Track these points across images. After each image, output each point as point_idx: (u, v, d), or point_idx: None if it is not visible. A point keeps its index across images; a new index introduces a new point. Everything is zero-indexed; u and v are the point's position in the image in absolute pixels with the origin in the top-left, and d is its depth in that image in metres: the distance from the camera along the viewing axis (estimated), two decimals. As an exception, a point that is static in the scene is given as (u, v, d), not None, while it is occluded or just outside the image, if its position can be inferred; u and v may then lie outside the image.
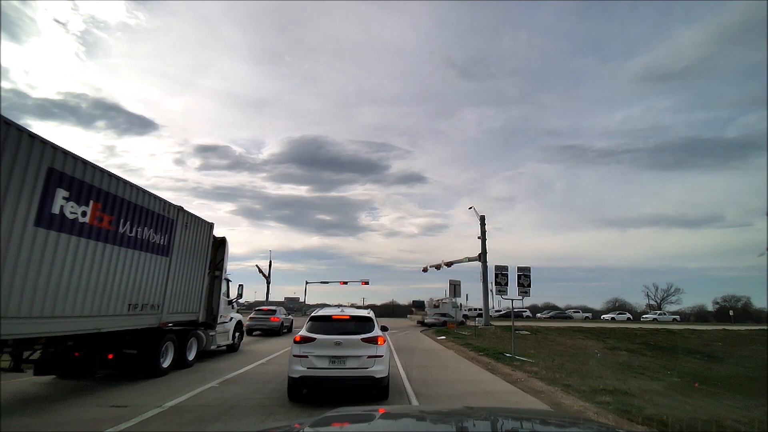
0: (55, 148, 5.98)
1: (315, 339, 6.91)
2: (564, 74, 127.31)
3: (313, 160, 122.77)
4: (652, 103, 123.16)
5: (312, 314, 7.66)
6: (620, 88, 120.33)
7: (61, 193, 6.07)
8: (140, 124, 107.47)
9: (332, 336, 6.94)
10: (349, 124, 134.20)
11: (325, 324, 7.25)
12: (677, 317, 57.23)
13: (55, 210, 5.97)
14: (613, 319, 55.49)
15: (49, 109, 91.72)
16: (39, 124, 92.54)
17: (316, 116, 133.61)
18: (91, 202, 6.71)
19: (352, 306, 23.69)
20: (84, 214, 6.55)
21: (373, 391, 7.08)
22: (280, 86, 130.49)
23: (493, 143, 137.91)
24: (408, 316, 41.62)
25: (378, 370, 6.82)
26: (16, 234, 5.36)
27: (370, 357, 6.85)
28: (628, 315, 58.50)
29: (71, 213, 6.27)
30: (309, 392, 7.12)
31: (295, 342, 7.00)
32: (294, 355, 6.86)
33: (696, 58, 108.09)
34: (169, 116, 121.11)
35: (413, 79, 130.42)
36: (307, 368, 6.74)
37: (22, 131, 5.45)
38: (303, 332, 7.10)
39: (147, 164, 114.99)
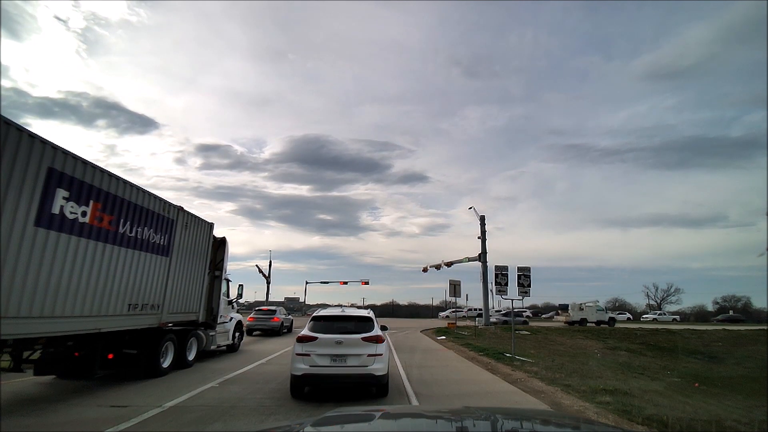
0: (55, 148, 5.98)
1: (317, 338, 7.10)
2: (569, 72, 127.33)
3: (314, 159, 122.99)
4: (657, 101, 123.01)
5: (314, 314, 7.86)
6: (625, 86, 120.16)
7: (61, 193, 6.07)
8: (141, 123, 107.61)
9: (333, 335, 7.14)
10: (352, 123, 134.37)
11: (327, 323, 7.46)
12: (677, 317, 57.29)
13: (55, 210, 5.97)
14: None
15: (50, 108, 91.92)
16: (39, 123, 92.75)
17: (319, 115, 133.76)
18: (91, 202, 6.72)
19: (352, 306, 23.89)
20: (84, 214, 6.55)
21: (373, 388, 7.31)
22: (282, 85, 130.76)
23: (496, 142, 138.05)
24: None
25: (378, 368, 7.00)
26: (16, 234, 5.36)
27: (370, 356, 7.03)
28: (628, 315, 58.50)
29: (71, 213, 6.27)
30: (311, 390, 7.32)
31: (298, 341, 7.18)
32: (297, 354, 7.03)
33: (701, 56, 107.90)
34: (171, 115, 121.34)
35: (416, 78, 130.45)
36: (310, 366, 6.91)
37: (22, 131, 5.46)
38: (305, 331, 7.30)
39: (148, 163, 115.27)
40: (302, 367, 6.91)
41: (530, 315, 60.98)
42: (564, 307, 46.09)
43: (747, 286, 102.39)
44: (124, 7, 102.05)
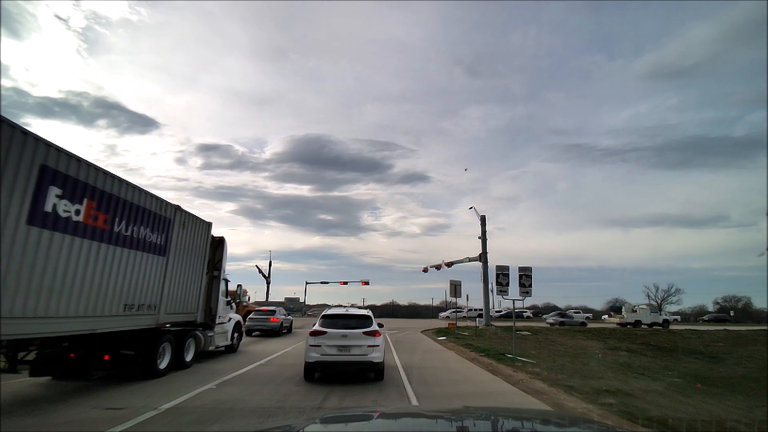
0: (48, 145, 5.89)
1: (326, 332, 8.58)
2: (571, 72, 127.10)
3: (315, 159, 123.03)
4: (660, 101, 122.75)
5: (323, 313, 9.40)
6: (628, 85, 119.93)
7: (54, 191, 5.97)
8: (142, 123, 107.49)
9: (340, 330, 8.63)
10: (353, 122, 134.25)
11: (334, 320, 8.96)
12: (677, 317, 57.26)
13: (48, 208, 5.87)
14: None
15: (50, 108, 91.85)
16: (40, 122, 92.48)
17: (320, 114, 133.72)
18: (85, 201, 6.62)
19: (353, 306, 24.14)
20: (78, 212, 6.46)
21: (371, 374, 8.91)
22: (283, 84, 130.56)
23: (498, 142, 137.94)
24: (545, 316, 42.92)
25: (375, 356, 8.54)
26: (8, 233, 5.27)
27: (369, 346, 8.54)
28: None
29: (64, 211, 6.18)
30: (320, 375, 8.89)
31: (311, 335, 8.67)
32: (310, 345, 8.57)
33: (704, 56, 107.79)
34: (171, 114, 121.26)
35: (418, 77, 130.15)
36: (321, 355, 8.45)
37: (15, 128, 5.37)
38: (316, 327, 8.76)
39: (148, 163, 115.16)
40: (315, 356, 8.44)
41: (530, 315, 61.05)
42: (615, 309, 47.30)
43: (748, 287, 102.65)
44: (124, 6, 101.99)
